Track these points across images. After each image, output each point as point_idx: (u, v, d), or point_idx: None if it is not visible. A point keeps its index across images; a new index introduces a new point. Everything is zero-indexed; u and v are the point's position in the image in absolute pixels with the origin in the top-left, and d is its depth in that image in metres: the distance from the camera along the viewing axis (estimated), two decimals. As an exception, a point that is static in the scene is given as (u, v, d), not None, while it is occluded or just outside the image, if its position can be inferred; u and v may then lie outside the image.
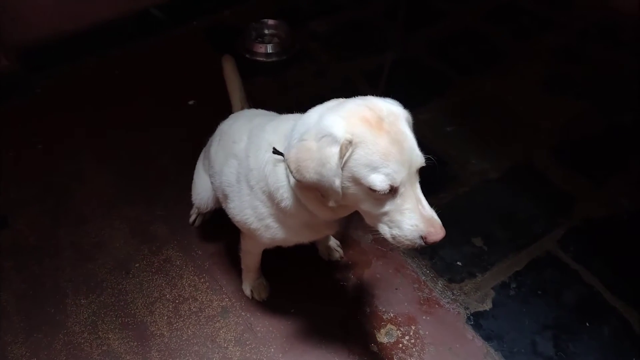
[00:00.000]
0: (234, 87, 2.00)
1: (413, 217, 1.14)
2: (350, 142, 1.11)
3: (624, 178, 2.29)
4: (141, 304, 1.84)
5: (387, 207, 1.16)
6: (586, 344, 1.78)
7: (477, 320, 1.83)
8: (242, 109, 1.94)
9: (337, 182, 1.13)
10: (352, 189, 1.17)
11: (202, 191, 1.85)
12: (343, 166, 1.13)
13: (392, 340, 1.77)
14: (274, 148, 1.29)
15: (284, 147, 1.27)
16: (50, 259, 1.96)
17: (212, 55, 2.79)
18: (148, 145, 2.37)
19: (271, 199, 1.35)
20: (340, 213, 1.33)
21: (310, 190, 1.24)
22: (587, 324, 1.83)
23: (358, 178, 1.13)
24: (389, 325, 1.81)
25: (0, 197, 2.16)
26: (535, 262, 1.99)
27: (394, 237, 1.18)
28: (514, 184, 2.26)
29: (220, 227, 1.98)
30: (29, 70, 2.60)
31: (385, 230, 1.19)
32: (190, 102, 2.58)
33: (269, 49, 2.79)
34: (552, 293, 1.90)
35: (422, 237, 1.15)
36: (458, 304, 1.87)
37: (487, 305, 1.87)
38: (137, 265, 1.95)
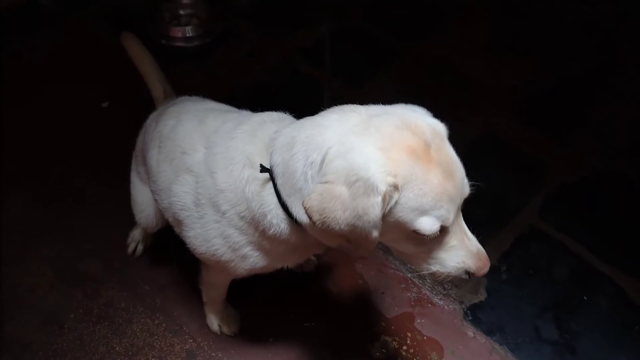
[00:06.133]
0: (147, 66, 1.66)
1: (460, 255, 0.98)
2: (395, 187, 0.86)
3: (586, 133, 2.21)
4: (85, 365, 1.50)
5: (430, 245, 0.96)
6: (587, 319, 1.68)
7: (474, 314, 1.67)
8: (165, 91, 1.63)
9: (375, 234, 0.90)
10: (391, 233, 0.94)
11: (145, 207, 1.52)
12: (387, 212, 0.89)
13: (389, 354, 1.56)
14: (261, 165, 1.01)
15: (267, 161, 1.02)
16: (-47, 327, 1.56)
17: (119, 45, 2.38)
18: (60, 164, 1.96)
19: (254, 225, 1.08)
20: None
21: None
22: (585, 298, 1.73)
23: (403, 223, 0.91)
24: (382, 337, 1.60)
25: None
26: (520, 239, 1.85)
27: (433, 274, 0.99)
28: (480, 156, 2.09)
29: (166, 251, 1.68)
30: None
31: (423, 267, 1.00)
32: (104, 104, 2.17)
33: (189, 31, 2.41)
34: (544, 270, 1.78)
35: (467, 272, 0.99)
36: (452, 298, 1.69)
37: (482, 295, 1.71)
38: (72, 316, 1.59)
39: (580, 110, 2.31)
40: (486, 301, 1.70)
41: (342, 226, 0.89)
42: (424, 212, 0.89)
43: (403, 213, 0.90)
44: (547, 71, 2.46)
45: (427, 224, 0.89)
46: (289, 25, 2.55)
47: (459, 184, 0.93)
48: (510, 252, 1.82)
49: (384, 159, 0.87)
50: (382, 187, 0.86)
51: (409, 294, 1.70)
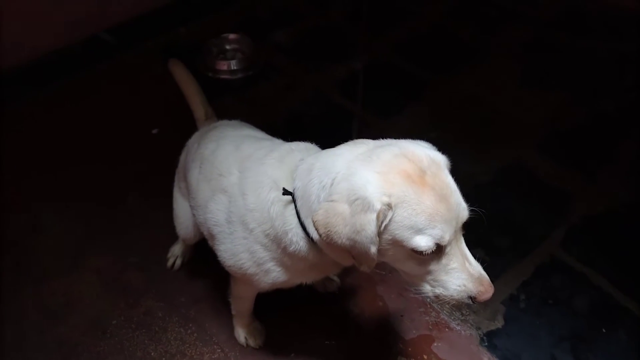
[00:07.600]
0: (192, 90, 1.84)
1: (460, 277, 1.05)
2: (389, 206, 0.97)
3: (615, 169, 2.23)
4: (124, 367, 1.65)
5: (431, 267, 1.05)
6: (605, 351, 1.69)
7: (491, 341, 1.71)
8: (206, 113, 1.79)
9: (374, 250, 1.00)
10: (392, 251, 1.04)
11: (185, 220, 1.66)
12: (383, 229, 1.00)
13: (405, 375, 1.63)
14: (284, 189, 1.14)
15: (291, 185, 1.14)
16: (14, 326, 1.73)
17: (170, 77, 2.60)
18: (111, 184, 2.16)
19: (276, 242, 1.20)
20: None
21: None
22: (604, 330, 1.74)
23: (400, 240, 1.01)
24: (399, 358, 1.66)
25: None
26: (541, 269, 1.89)
27: (437, 296, 1.08)
28: (506, 186, 2.16)
29: (203, 267, 1.82)
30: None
31: (427, 289, 1.09)
32: (154, 131, 2.38)
33: (233, 65, 2.62)
34: (563, 300, 1.81)
35: (470, 297, 1.06)
36: (469, 324, 1.75)
37: (499, 322, 1.75)
38: (114, 322, 1.75)
39: (611, 148, 2.32)
40: (503, 328, 1.74)
41: (344, 240, 1.00)
42: (418, 230, 0.99)
43: (399, 231, 1.00)
44: (577, 106, 2.50)
45: (423, 242, 0.98)
46: (325, 60, 2.72)
47: (454, 207, 1.01)
48: (531, 281, 1.85)
49: (380, 181, 0.99)
50: (377, 206, 0.97)
51: (427, 318, 1.76)
